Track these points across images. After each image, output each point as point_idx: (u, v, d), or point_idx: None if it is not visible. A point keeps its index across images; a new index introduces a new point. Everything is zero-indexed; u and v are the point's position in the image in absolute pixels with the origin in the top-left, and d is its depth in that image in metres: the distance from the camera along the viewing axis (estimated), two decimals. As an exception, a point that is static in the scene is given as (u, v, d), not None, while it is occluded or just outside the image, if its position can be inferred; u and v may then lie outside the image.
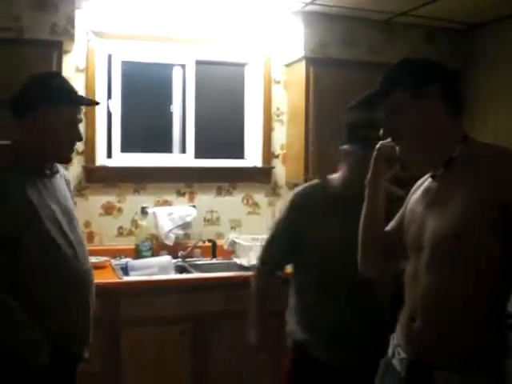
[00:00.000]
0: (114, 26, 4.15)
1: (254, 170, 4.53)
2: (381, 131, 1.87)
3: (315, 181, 2.63)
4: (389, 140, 1.89)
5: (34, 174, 2.28)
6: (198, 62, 4.47)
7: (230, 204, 4.47)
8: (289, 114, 4.56)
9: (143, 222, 4.19)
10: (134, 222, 4.21)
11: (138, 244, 4.11)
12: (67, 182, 2.53)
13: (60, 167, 2.48)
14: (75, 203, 2.61)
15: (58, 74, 2.47)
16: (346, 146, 2.41)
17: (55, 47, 3.77)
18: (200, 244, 4.31)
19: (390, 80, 1.84)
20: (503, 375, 1.71)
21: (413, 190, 2.01)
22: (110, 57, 4.24)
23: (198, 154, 4.46)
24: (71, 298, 2.27)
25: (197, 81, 4.46)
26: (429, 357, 1.74)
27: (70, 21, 3.78)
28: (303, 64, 4.28)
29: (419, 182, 1.99)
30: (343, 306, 2.36)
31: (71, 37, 3.82)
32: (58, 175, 2.41)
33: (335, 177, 2.52)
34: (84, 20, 4.05)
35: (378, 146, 1.96)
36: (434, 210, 1.78)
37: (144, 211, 4.19)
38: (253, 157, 4.55)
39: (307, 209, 2.49)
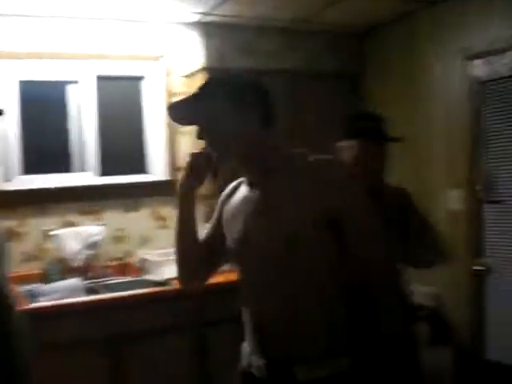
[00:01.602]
0: (8, 44, 4.00)
1: (160, 183, 4.47)
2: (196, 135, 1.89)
3: None
4: (199, 150, 1.93)
5: None
6: (95, 78, 4.37)
7: (138, 220, 4.39)
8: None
9: (49, 246, 4.05)
10: (39, 246, 4.06)
11: (45, 268, 3.97)
12: None
13: None
14: None
15: None
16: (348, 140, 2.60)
17: None
18: (110, 263, 4.21)
19: (212, 87, 1.87)
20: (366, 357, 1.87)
21: (223, 197, 2.06)
22: (4, 77, 4.07)
23: (102, 172, 4.36)
24: None
25: (94, 96, 4.36)
26: (286, 357, 1.81)
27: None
28: (203, 75, 4.27)
29: (229, 189, 2.05)
30: None
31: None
32: None
33: None
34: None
35: (189, 155, 1.96)
36: (260, 221, 1.83)
37: (49, 234, 4.05)
38: (157, 170, 4.50)
39: None
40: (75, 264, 4.05)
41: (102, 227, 4.19)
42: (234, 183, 2.04)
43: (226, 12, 4.05)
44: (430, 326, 4.08)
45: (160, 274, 3.97)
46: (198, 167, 1.92)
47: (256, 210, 1.85)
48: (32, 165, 4.16)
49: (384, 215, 2.24)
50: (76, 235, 4.07)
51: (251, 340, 1.90)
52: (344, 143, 2.66)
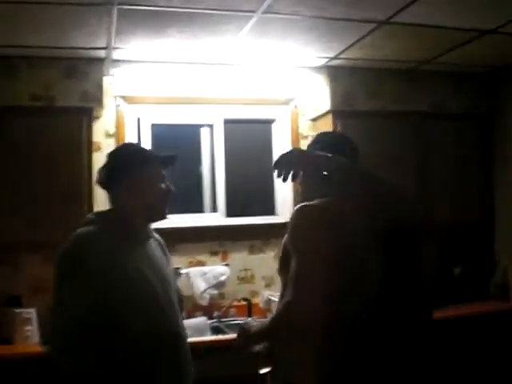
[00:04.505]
0: (142, 90, 4.23)
1: (286, 225, 4.47)
2: None
3: None
4: None
5: (128, 240, 2.33)
6: (226, 121, 4.51)
7: (263, 261, 4.43)
8: (318, 168, 4.54)
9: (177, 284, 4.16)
10: (168, 284, 4.18)
11: (173, 306, 4.07)
12: (161, 246, 2.58)
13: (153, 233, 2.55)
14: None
15: (131, 143, 2.67)
16: None
17: (85, 114, 3.87)
18: (235, 303, 4.26)
19: None
20: None
21: None
22: (138, 120, 4.30)
23: (229, 213, 4.45)
24: (162, 361, 2.24)
25: (225, 139, 4.50)
26: None
27: (99, 87, 3.88)
28: (330, 118, 4.30)
29: None
30: None
31: (100, 103, 3.92)
32: (151, 240, 2.47)
33: None
34: (112, 86, 4.15)
35: None
36: None
37: (177, 272, 4.16)
38: (284, 212, 4.52)
39: None
40: (202, 302, 4.14)
41: (228, 267, 4.26)
42: None
43: (352, 55, 4.07)
44: None
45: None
46: None
47: None
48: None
49: None
50: (203, 274, 4.17)
51: None
52: None
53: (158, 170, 2.41)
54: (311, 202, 2.12)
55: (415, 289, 2.18)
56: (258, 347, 2.23)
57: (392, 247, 2.06)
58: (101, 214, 2.43)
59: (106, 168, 2.41)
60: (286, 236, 2.13)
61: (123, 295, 2.19)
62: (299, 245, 2.04)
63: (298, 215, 2.10)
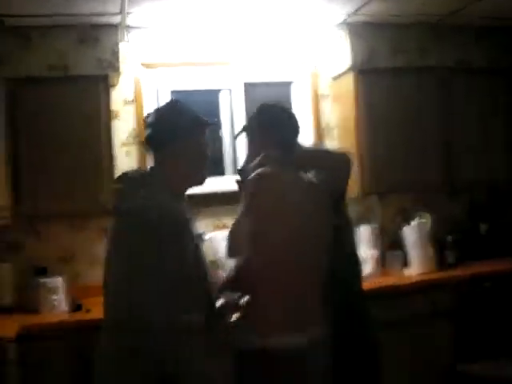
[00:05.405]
0: (159, 56, 4.17)
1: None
2: None
3: None
4: None
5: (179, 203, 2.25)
6: (245, 85, 4.44)
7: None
8: (339, 128, 4.48)
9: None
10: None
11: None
12: None
13: None
14: None
15: (179, 102, 2.47)
16: None
17: (101, 81, 3.82)
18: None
19: None
20: None
21: None
22: (156, 86, 4.25)
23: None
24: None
25: (245, 102, 4.43)
26: None
27: (115, 54, 3.82)
28: (351, 75, 4.21)
29: None
30: None
31: (117, 70, 3.86)
32: None
33: None
34: (129, 52, 4.09)
35: None
36: None
37: (201, 238, 4.15)
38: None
39: None
40: (226, 268, 4.12)
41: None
42: None
43: (373, 11, 3.96)
44: None
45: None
46: None
47: None
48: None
49: None
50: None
51: None
52: None
53: (201, 135, 2.30)
54: (267, 169, 2.35)
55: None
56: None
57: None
58: (150, 175, 2.26)
59: (156, 127, 2.27)
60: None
61: (193, 259, 2.16)
62: (254, 206, 2.31)
63: (256, 180, 2.32)
